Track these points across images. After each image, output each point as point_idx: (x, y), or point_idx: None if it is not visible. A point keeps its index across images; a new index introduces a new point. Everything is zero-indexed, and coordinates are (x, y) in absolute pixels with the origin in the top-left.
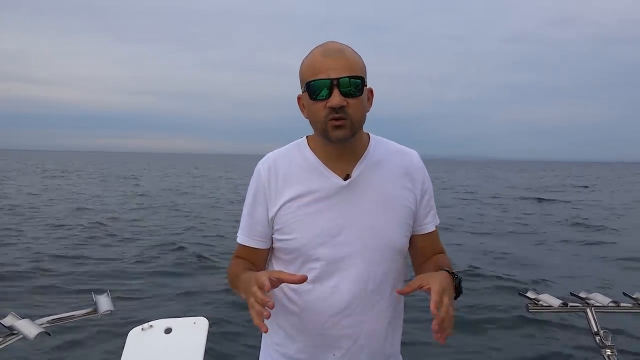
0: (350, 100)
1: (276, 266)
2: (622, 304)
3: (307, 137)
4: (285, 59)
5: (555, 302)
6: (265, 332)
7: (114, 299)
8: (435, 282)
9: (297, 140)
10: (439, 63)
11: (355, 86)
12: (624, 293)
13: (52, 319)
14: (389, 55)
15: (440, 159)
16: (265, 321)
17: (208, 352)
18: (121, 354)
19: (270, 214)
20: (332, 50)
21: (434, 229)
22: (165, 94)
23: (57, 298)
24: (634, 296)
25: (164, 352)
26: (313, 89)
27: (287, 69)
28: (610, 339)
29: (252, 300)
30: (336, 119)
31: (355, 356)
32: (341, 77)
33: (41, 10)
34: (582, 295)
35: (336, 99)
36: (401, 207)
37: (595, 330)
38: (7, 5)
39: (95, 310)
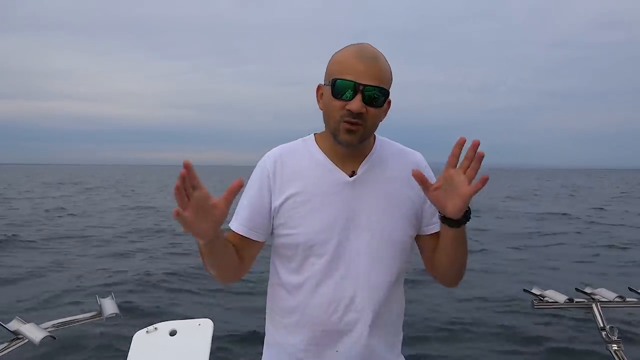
0: (370, 109)
1: (278, 262)
2: (627, 299)
3: (314, 134)
4: (323, 71)
5: (561, 298)
6: (185, 227)
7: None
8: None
9: (303, 137)
10: (478, 71)
11: (378, 97)
12: (629, 288)
13: (57, 323)
14: (426, 64)
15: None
16: (267, 319)
17: (213, 353)
18: (126, 357)
19: (274, 206)
20: (366, 55)
21: (433, 231)
22: (206, 107)
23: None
24: (639, 291)
25: (169, 354)
26: (337, 87)
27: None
28: (616, 334)
29: (176, 183)
30: (351, 123)
31: (357, 352)
32: (368, 85)
33: (85, 30)
34: (588, 290)
35: (357, 104)
36: (405, 206)
37: (602, 325)
38: (55, 26)
39: (100, 314)
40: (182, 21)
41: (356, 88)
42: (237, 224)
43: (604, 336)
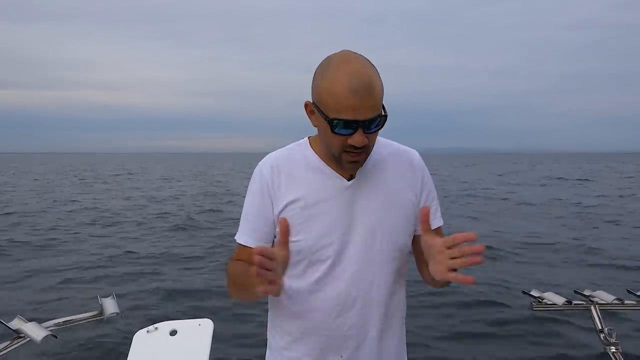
0: (371, 135)
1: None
2: (626, 302)
3: (309, 137)
4: None
5: (560, 300)
6: (278, 295)
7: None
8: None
9: (298, 141)
10: (497, 54)
11: (378, 123)
12: (627, 290)
13: (59, 322)
14: (444, 47)
15: (502, 152)
16: (270, 325)
17: (213, 353)
18: (127, 356)
19: (275, 214)
20: (361, 86)
21: (436, 227)
22: (222, 94)
23: None
24: (638, 293)
25: (169, 354)
26: (336, 127)
27: None
28: (614, 336)
29: (256, 269)
30: (354, 154)
31: (362, 357)
32: (368, 119)
33: (103, 19)
34: (586, 293)
35: (360, 139)
36: (404, 206)
37: (600, 327)
38: (73, 15)
39: (101, 313)
40: (198, 9)
41: (356, 125)
42: (246, 237)
43: (603, 338)
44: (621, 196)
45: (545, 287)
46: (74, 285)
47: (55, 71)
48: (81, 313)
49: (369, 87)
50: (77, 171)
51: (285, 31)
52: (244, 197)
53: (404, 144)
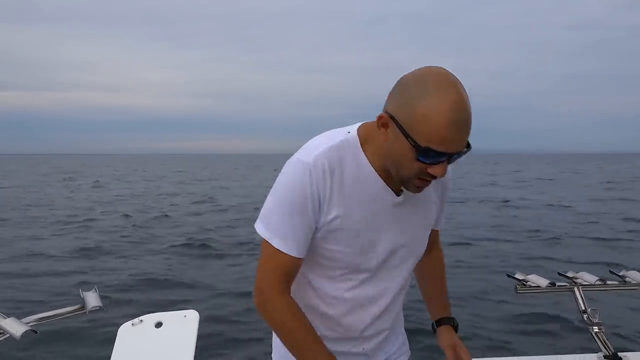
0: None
1: (315, 269)
2: (608, 282)
3: (358, 133)
4: (340, 58)
5: (543, 283)
6: None
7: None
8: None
9: (346, 138)
10: (498, 55)
11: (462, 154)
12: (610, 271)
13: (40, 318)
14: (444, 49)
15: (505, 153)
16: None
17: (199, 344)
18: (112, 350)
19: (319, 223)
20: (461, 121)
21: (437, 228)
22: (223, 95)
23: None
24: (620, 274)
25: (155, 346)
26: (427, 156)
27: (342, 68)
28: (597, 316)
29: None
30: (427, 180)
31: (382, 345)
32: (459, 152)
33: (103, 21)
34: (570, 274)
35: (442, 170)
36: (433, 218)
37: (583, 308)
38: (74, 18)
39: (83, 307)
40: (199, 11)
41: (445, 157)
42: (298, 248)
43: (586, 319)
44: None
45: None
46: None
47: (55, 73)
48: (62, 307)
49: (468, 120)
50: (67, 173)
51: (285, 32)
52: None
53: None
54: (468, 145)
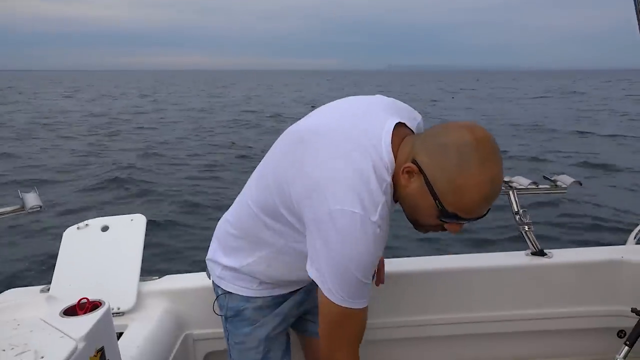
0: None
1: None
2: (540, 185)
3: (391, 173)
4: None
5: None
6: None
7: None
8: None
9: (383, 176)
10: None
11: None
12: (544, 176)
13: None
14: None
15: (472, 70)
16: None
17: (146, 247)
18: (57, 254)
19: None
20: (494, 196)
21: None
22: (184, 5)
23: None
24: (552, 178)
25: (101, 249)
26: (450, 219)
27: None
28: (528, 217)
29: None
30: (437, 230)
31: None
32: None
33: None
34: (506, 179)
35: (458, 230)
36: None
37: (516, 210)
38: None
39: (22, 207)
40: None
41: (465, 221)
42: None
43: (517, 219)
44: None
45: None
46: None
47: None
48: (1, 207)
49: (499, 192)
50: None
51: None
52: None
53: (369, 61)
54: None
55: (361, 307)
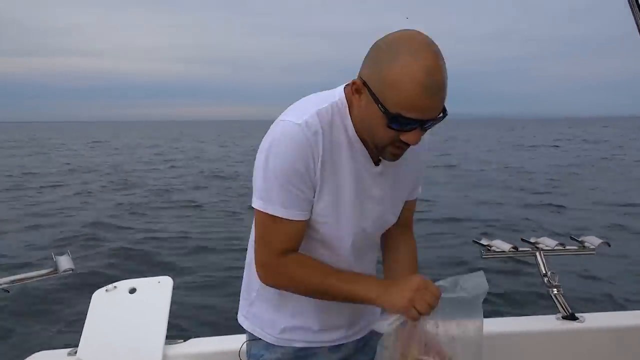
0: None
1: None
2: (567, 247)
3: (346, 95)
4: (331, 21)
5: (507, 247)
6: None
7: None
8: None
9: (336, 101)
10: (490, 17)
11: (436, 121)
12: (571, 237)
13: (13, 280)
14: (434, 8)
15: (500, 118)
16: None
17: (173, 310)
18: (86, 316)
19: (314, 192)
20: (435, 86)
21: (413, 198)
22: (215, 61)
23: None
24: (579, 239)
25: (129, 312)
26: (398, 123)
27: (334, 32)
28: (557, 279)
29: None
30: (400, 148)
31: (362, 313)
32: (432, 119)
33: None
34: (532, 240)
35: (416, 138)
36: (408, 189)
37: (544, 272)
38: None
39: (55, 270)
40: None
41: (417, 124)
42: (292, 209)
43: (546, 282)
44: None
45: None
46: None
47: (39, 37)
48: (35, 270)
49: (442, 85)
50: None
51: None
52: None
53: None
54: (444, 111)
55: (278, 215)
